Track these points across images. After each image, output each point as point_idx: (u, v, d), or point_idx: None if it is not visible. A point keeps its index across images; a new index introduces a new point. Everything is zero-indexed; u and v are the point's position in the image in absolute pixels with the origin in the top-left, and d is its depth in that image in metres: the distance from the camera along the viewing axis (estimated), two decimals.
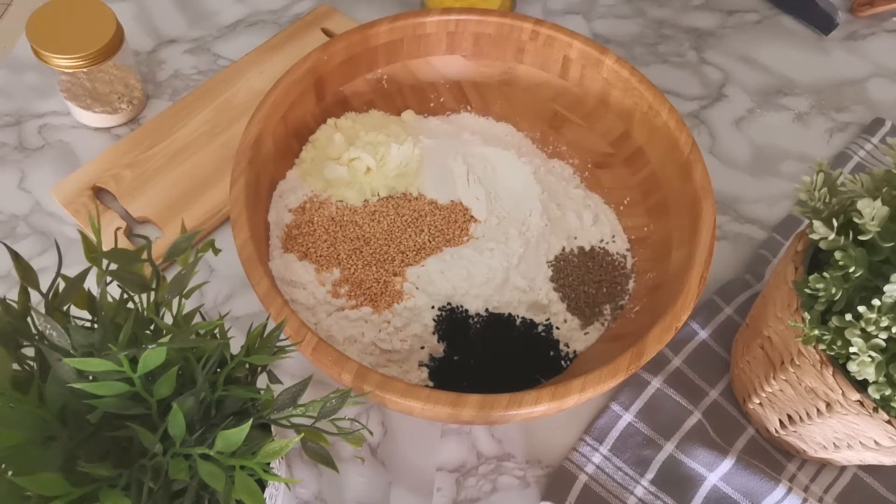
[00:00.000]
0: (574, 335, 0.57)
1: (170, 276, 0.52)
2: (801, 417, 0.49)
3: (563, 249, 0.60)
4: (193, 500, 0.34)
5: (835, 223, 0.42)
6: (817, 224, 0.42)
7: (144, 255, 0.38)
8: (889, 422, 0.41)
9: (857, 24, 0.81)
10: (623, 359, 0.48)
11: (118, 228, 0.60)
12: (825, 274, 0.41)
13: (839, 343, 0.40)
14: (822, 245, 0.42)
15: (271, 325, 0.51)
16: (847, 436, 0.47)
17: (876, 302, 0.38)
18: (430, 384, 0.54)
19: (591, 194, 0.64)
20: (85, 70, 0.61)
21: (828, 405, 0.44)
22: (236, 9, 0.77)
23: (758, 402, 0.53)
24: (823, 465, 0.55)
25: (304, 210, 0.59)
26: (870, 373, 0.39)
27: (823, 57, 0.78)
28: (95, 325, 0.37)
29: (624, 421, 0.55)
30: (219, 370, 0.37)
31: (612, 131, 0.65)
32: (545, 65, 0.66)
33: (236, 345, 0.39)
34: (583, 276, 0.59)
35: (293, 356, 0.43)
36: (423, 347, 0.55)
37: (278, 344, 0.39)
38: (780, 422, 0.52)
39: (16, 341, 0.36)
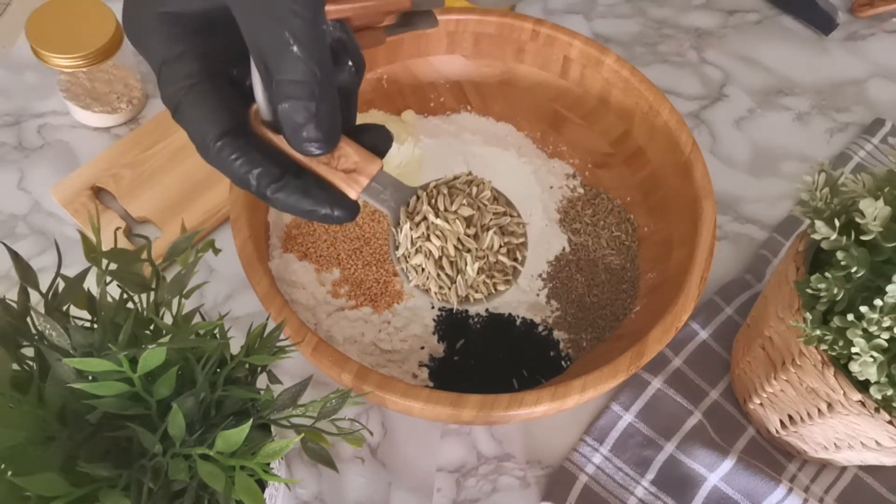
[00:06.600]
0: (574, 335, 0.57)
1: (169, 276, 0.52)
2: (801, 418, 0.49)
3: (564, 249, 0.60)
4: (193, 500, 0.34)
5: (836, 223, 0.42)
6: (819, 224, 0.42)
7: (144, 255, 0.38)
8: (890, 422, 0.41)
9: (858, 24, 0.81)
10: (623, 359, 0.48)
11: (118, 228, 0.60)
12: (827, 274, 0.41)
13: (841, 343, 0.40)
14: (824, 245, 0.42)
15: (271, 325, 0.51)
16: (848, 436, 0.47)
17: (878, 302, 0.38)
18: (430, 384, 0.54)
19: None
20: (84, 70, 0.61)
21: (829, 405, 0.44)
22: None
23: (758, 402, 0.53)
24: (824, 465, 0.55)
25: None
26: (871, 373, 0.39)
27: (824, 57, 0.78)
28: (95, 325, 0.37)
29: (624, 421, 0.55)
30: (219, 370, 0.37)
31: (613, 131, 0.65)
32: (545, 64, 0.66)
33: (236, 345, 0.39)
34: (583, 277, 0.59)
35: (293, 356, 0.43)
36: (423, 347, 0.55)
37: (278, 344, 0.38)
38: (781, 422, 0.52)
39: (15, 341, 0.36)
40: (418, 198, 0.40)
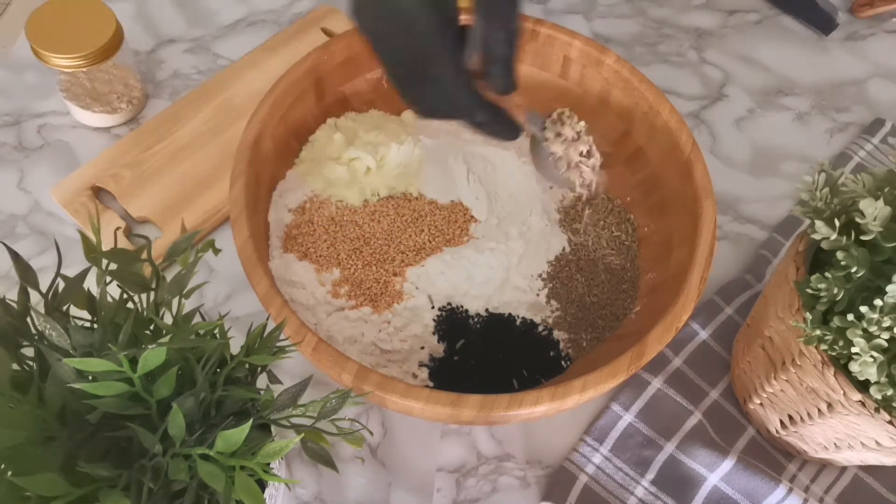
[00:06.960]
0: (574, 335, 0.57)
1: (169, 276, 0.52)
2: (801, 418, 0.49)
3: (564, 249, 0.60)
4: (193, 500, 0.34)
5: (836, 223, 0.42)
6: (819, 224, 0.42)
7: (144, 255, 0.38)
8: (890, 422, 0.41)
9: (858, 24, 0.81)
10: (623, 359, 0.48)
11: (118, 228, 0.60)
12: (827, 274, 0.41)
13: (841, 343, 0.40)
14: (824, 245, 0.42)
15: (271, 325, 0.51)
16: (848, 436, 0.47)
17: (878, 302, 0.38)
18: (430, 384, 0.54)
19: None
20: (84, 69, 0.61)
21: (829, 405, 0.44)
22: (236, 8, 0.77)
23: (758, 402, 0.53)
24: (824, 465, 0.55)
25: (304, 210, 0.59)
26: (871, 373, 0.39)
27: (824, 57, 0.78)
28: (95, 325, 0.37)
29: (624, 421, 0.55)
30: (219, 370, 0.37)
31: (613, 131, 0.65)
32: (545, 64, 0.66)
33: (236, 345, 0.39)
34: (583, 277, 0.59)
35: (293, 356, 0.43)
36: (423, 347, 0.55)
37: (278, 344, 0.38)
38: (781, 422, 0.52)
39: (15, 341, 0.36)
40: (552, 122, 0.55)
